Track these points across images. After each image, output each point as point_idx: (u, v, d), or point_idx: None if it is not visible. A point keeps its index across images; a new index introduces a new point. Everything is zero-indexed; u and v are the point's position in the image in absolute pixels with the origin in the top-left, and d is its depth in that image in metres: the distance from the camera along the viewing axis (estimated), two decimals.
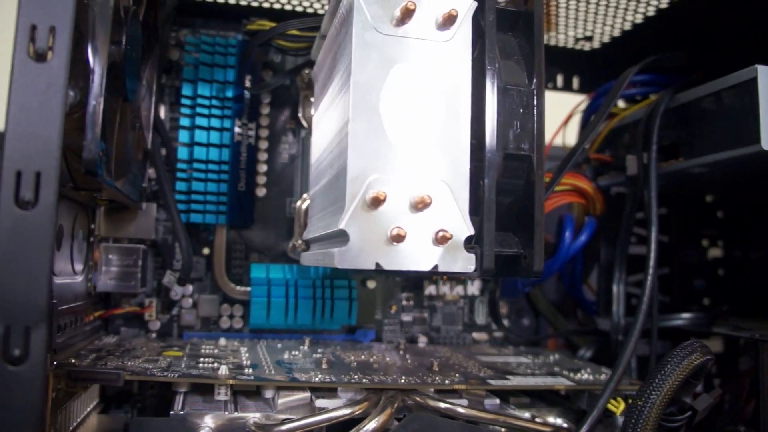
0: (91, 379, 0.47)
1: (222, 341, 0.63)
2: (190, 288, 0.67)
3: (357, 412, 0.47)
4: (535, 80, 0.46)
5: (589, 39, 0.74)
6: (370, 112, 0.41)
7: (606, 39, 0.73)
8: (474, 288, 0.74)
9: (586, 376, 0.56)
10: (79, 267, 0.55)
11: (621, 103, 0.75)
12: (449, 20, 0.42)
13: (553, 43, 0.76)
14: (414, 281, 0.73)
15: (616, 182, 0.70)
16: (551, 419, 0.53)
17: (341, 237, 0.41)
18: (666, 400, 0.44)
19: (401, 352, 0.63)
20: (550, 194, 0.65)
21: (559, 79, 0.81)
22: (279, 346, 0.62)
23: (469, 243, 0.42)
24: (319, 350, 0.61)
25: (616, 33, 0.71)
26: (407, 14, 0.42)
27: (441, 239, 0.41)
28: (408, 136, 0.41)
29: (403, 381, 0.50)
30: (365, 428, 0.45)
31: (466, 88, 0.43)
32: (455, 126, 0.42)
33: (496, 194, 0.44)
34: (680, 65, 0.67)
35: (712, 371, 0.66)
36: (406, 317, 0.72)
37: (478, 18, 0.45)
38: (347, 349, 0.63)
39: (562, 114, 0.77)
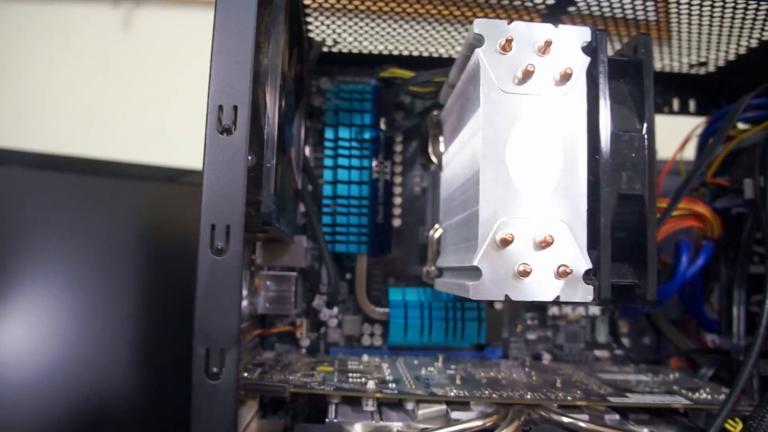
0: (261, 391, 0.55)
1: (365, 357, 0.70)
2: (335, 309, 0.75)
3: (488, 424, 0.52)
4: (645, 125, 0.50)
5: (704, 64, 0.76)
6: (497, 162, 0.47)
7: (721, 63, 0.75)
8: (595, 308, 0.77)
9: (704, 395, 0.59)
10: (245, 293, 0.64)
11: (740, 125, 0.76)
12: (565, 77, 0.48)
13: (667, 70, 0.78)
14: (538, 303, 0.77)
15: (736, 204, 0.72)
16: None
17: (474, 272, 0.46)
18: None
19: (527, 369, 0.68)
20: (668, 219, 0.68)
21: (676, 103, 0.83)
22: (415, 362, 0.69)
23: (588, 275, 0.47)
24: (452, 366, 0.67)
25: (731, 57, 0.72)
26: (527, 75, 0.47)
27: (562, 273, 0.46)
28: (531, 183, 0.47)
29: (529, 396, 0.55)
30: None
31: (583, 137, 0.48)
32: (573, 172, 0.47)
33: (612, 230, 0.48)
34: None
35: None
36: (531, 336, 0.77)
37: (591, 70, 0.50)
38: (477, 366, 0.69)
39: (680, 135, 0.79)
